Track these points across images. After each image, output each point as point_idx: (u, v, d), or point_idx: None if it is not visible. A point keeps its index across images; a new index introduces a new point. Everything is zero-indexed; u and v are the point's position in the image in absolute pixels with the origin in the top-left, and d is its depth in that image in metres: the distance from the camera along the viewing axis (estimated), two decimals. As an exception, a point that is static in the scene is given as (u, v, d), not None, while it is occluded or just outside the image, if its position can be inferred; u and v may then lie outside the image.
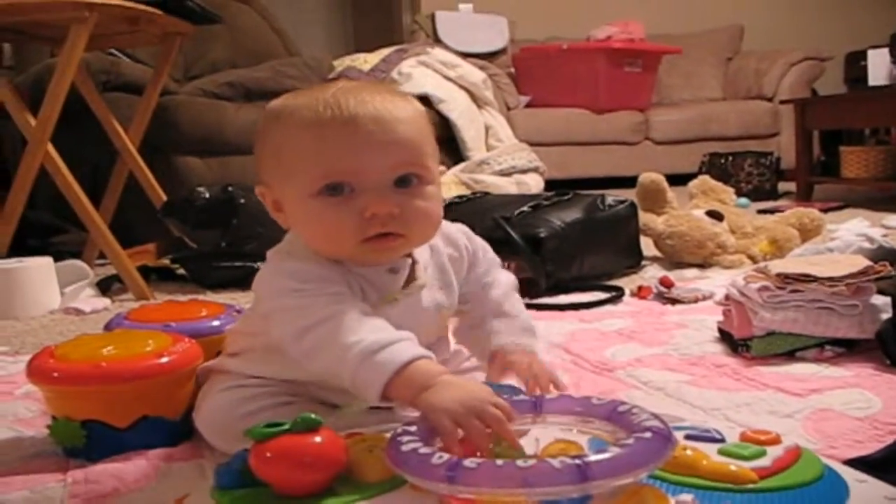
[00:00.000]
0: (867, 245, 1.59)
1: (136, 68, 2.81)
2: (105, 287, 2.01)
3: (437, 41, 4.70)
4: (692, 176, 2.44)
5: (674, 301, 1.62)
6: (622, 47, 4.70)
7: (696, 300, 1.61)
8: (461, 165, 3.36)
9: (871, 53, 3.92)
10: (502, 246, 1.48)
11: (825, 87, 5.10)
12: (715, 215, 2.06)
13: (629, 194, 2.12)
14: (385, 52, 3.72)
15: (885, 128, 4.56)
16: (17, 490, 0.83)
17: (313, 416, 0.64)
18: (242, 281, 1.91)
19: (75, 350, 0.93)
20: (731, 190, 2.28)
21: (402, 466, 0.61)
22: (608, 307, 1.63)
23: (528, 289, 1.71)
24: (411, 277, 0.87)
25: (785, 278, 1.19)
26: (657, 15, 5.33)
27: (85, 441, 0.89)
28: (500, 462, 0.57)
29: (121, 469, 0.85)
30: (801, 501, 0.63)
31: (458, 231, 0.96)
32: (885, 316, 1.15)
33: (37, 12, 1.88)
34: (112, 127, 2.33)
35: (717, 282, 1.75)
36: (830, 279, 1.17)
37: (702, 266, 1.99)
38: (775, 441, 0.70)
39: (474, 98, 3.67)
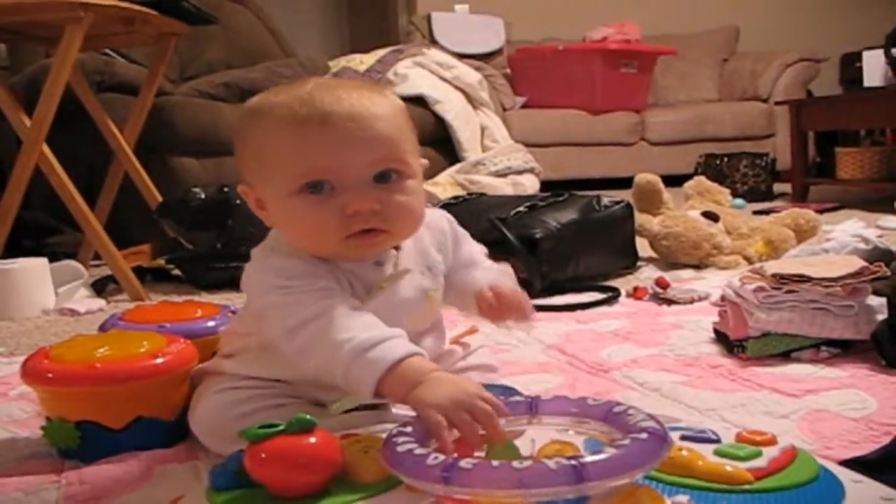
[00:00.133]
0: (862, 246, 1.59)
1: (131, 69, 2.80)
2: (100, 288, 2.01)
3: (433, 42, 4.70)
4: (688, 177, 2.44)
5: (669, 302, 1.62)
6: (618, 48, 4.70)
7: (691, 301, 1.62)
8: (457, 166, 3.36)
9: (866, 55, 3.93)
10: (498, 247, 1.48)
11: (820, 88, 5.11)
12: (711, 216, 2.06)
13: (625, 195, 2.12)
14: (381, 52, 3.72)
15: (881, 129, 4.56)
16: (11, 492, 0.83)
17: (308, 416, 0.64)
18: (238, 282, 1.89)
19: (70, 351, 0.92)
20: (726, 191, 2.28)
21: (398, 467, 0.60)
22: (604, 308, 1.63)
23: (523, 289, 1.71)
24: (395, 265, 0.88)
25: (780, 279, 1.19)
26: (653, 16, 5.34)
27: (79, 442, 0.89)
28: (495, 463, 0.57)
29: (115, 470, 0.85)
30: (797, 502, 0.63)
31: (440, 216, 0.97)
32: (881, 317, 1.15)
33: (32, 12, 1.88)
34: (107, 127, 2.33)
35: (713, 283, 1.75)
36: (826, 280, 1.17)
37: (697, 267, 2.00)
38: (771, 442, 0.70)
39: (470, 99, 3.67)
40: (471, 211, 1.94)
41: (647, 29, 5.05)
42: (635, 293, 1.69)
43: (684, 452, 0.67)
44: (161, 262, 2.13)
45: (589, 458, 0.56)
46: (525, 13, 5.25)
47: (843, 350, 1.17)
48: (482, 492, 0.56)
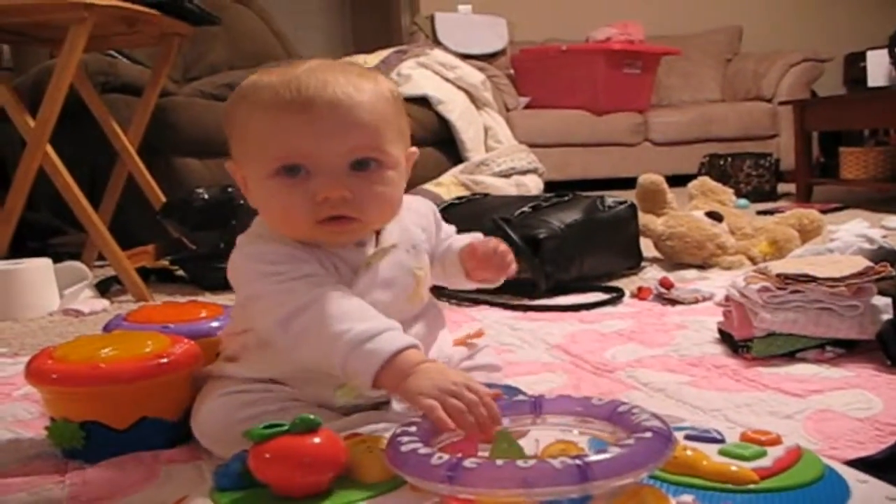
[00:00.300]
0: (867, 246, 1.59)
1: (134, 69, 2.80)
2: (104, 288, 2.01)
3: (437, 42, 4.70)
4: (691, 177, 2.44)
5: (674, 302, 1.62)
6: (621, 48, 4.70)
7: (696, 301, 1.61)
8: (460, 167, 3.35)
9: (870, 55, 3.92)
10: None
11: (824, 88, 5.11)
12: (715, 216, 2.06)
13: (629, 195, 2.12)
14: (384, 53, 3.72)
15: (885, 129, 4.56)
16: (16, 492, 0.83)
17: (312, 416, 0.64)
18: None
19: (74, 351, 0.92)
20: (730, 191, 2.28)
21: (402, 467, 0.60)
22: (608, 308, 1.63)
23: (527, 290, 1.72)
24: (378, 244, 0.89)
25: (785, 279, 1.19)
26: (656, 16, 5.34)
27: (84, 442, 0.89)
28: (500, 462, 0.57)
29: (119, 471, 0.85)
30: (802, 502, 0.63)
31: (420, 200, 0.99)
32: (886, 317, 1.15)
33: (35, 13, 1.88)
34: (111, 128, 2.33)
35: (717, 283, 1.75)
36: (831, 280, 1.17)
37: (701, 267, 1.99)
38: (776, 441, 0.70)
39: (473, 99, 3.67)
40: (474, 211, 1.94)
41: (651, 29, 5.05)
42: (639, 293, 1.69)
43: (689, 452, 0.67)
44: (165, 262, 2.13)
45: (593, 458, 0.56)
46: (528, 13, 5.25)
47: (848, 350, 1.17)
48: (486, 491, 0.56)
